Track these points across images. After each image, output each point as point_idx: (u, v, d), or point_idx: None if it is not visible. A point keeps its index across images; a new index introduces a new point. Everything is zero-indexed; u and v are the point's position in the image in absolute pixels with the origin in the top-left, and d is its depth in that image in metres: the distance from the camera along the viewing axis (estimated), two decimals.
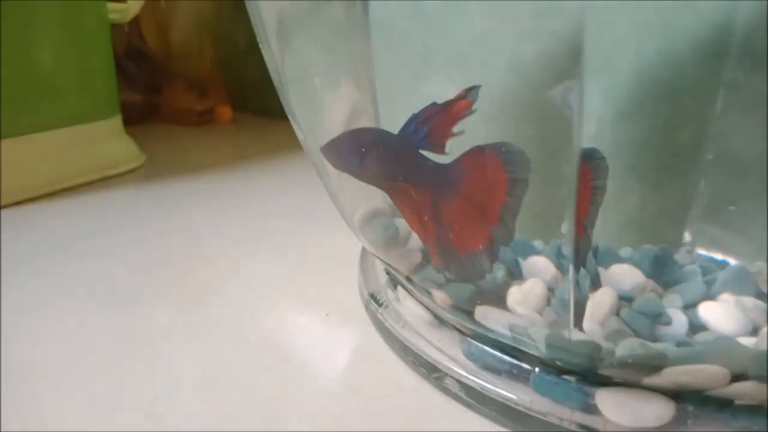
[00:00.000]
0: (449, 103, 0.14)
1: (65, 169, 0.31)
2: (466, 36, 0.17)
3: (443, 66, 0.18)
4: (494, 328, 0.16)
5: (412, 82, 0.18)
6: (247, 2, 0.19)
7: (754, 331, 0.15)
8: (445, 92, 0.18)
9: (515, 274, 0.17)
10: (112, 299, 0.21)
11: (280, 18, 0.18)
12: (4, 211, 0.28)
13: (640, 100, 0.19)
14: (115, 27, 0.34)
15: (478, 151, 0.14)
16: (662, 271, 0.18)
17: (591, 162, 0.16)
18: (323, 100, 0.19)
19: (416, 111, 0.15)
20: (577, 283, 0.15)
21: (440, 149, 0.15)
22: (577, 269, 0.14)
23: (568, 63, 0.15)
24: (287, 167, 0.36)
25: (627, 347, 0.14)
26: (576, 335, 0.14)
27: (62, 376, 0.17)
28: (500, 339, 0.16)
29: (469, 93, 0.14)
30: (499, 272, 0.18)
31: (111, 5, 0.33)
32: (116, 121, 0.34)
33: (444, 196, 0.15)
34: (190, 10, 0.42)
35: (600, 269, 0.17)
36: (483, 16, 0.17)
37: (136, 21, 0.41)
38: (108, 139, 0.34)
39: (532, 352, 0.15)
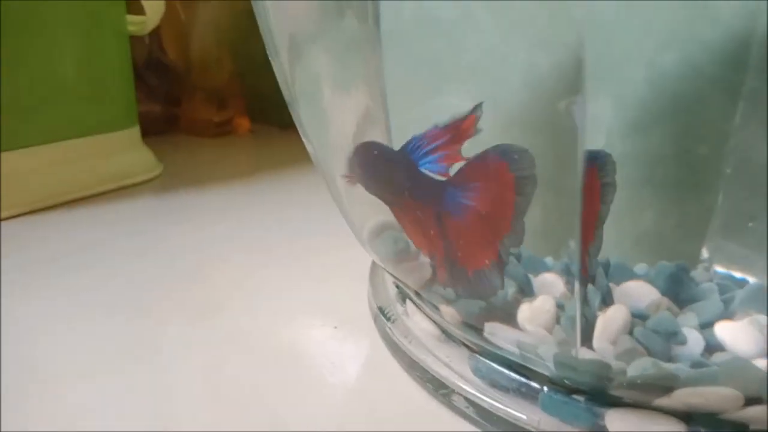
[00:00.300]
0: (454, 125, 0.14)
1: (83, 178, 0.32)
2: (478, 47, 0.17)
3: (455, 77, 0.18)
4: (503, 345, 0.16)
5: (423, 94, 0.18)
6: (257, 16, 0.19)
7: None
8: (456, 103, 0.18)
9: (526, 291, 0.17)
10: (123, 308, 0.21)
11: (291, 32, 0.19)
12: (19, 220, 0.29)
13: (655, 112, 0.18)
14: (135, 38, 0.35)
15: (480, 159, 0.14)
16: (678, 288, 0.17)
17: (597, 162, 0.15)
18: (333, 114, 0.19)
19: (428, 122, 0.15)
20: (585, 300, 0.14)
21: (444, 171, 0.14)
22: (584, 285, 0.14)
23: (577, 75, 0.15)
24: (303, 180, 0.37)
25: (639, 367, 0.14)
26: (584, 354, 0.14)
27: (72, 384, 0.17)
28: (509, 356, 0.16)
29: (475, 110, 0.14)
30: (510, 289, 0.17)
31: (130, 17, 0.33)
32: (134, 131, 0.35)
33: (449, 212, 0.15)
34: (210, 22, 0.43)
35: (612, 285, 0.17)
36: (495, 27, 0.17)
37: (156, 33, 0.41)
38: (126, 149, 0.34)
39: (540, 370, 0.15)
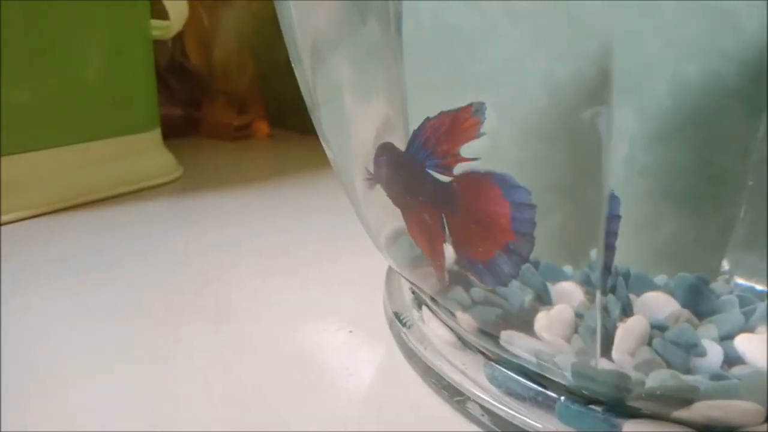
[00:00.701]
0: (449, 118, 0.14)
1: (104, 179, 0.32)
2: (497, 55, 0.17)
3: (475, 86, 0.18)
4: (520, 353, 0.16)
5: (441, 101, 0.18)
6: (281, 23, 0.19)
7: None
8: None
9: (544, 299, 0.17)
10: (139, 309, 0.21)
11: (314, 38, 0.19)
12: (40, 220, 0.29)
13: (677, 123, 0.18)
14: (158, 42, 0.35)
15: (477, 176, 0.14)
16: (698, 300, 0.17)
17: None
18: (354, 120, 0.19)
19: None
20: (605, 310, 0.14)
21: (447, 171, 0.14)
22: (604, 294, 0.14)
23: (600, 85, 0.15)
24: (320, 185, 0.37)
25: (658, 378, 0.14)
26: (603, 364, 0.14)
27: (82, 386, 0.17)
28: (526, 365, 0.16)
29: (476, 111, 0.14)
30: (527, 297, 0.17)
31: (154, 22, 0.34)
32: (155, 134, 0.35)
33: (450, 211, 0.15)
34: (232, 28, 0.43)
35: (632, 296, 0.17)
36: (517, 36, 0.17)
37: (179, 37, 0.42)
38: (147, 152, 0.35)
39: (558, 379, 0.15)
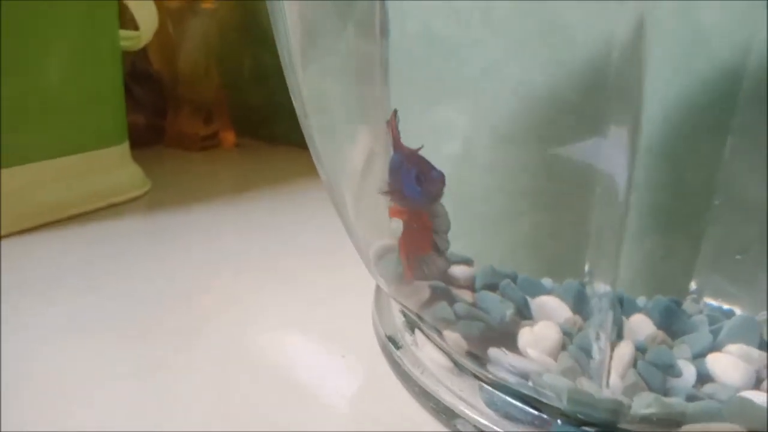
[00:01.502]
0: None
1: (72, 196, 0.31)
2: (477, 65, 0.18)
3: (454, 94, 0.18)
4: (510, 376, 0.16)
5: (425, 109, 0.19)
6: (273, 25, 0.19)
7: (758, 382, 0.16)
8: (451, 117, 0.18)
9: (525, 314, 0.18)
10: (114, 329, 0.21)
11: (302, 40, 0.19)
12: (6, 240, 0.28)
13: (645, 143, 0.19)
14: None
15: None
16: (671, 321, 0.18)
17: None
18: (345, 135, 0.20)
19: (426, 134, 0.17)
20: (604, 334, 0.15)
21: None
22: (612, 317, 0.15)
23: (575, 95, 0.16)
24: (292, 197, 0.37)
25: (643, 403, 0.15)
26: (606, 392, 0.14)
27: (60, 406, 0.17)
28: (521, 389, 0.16)
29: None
30: (508, 310, 0.18)
31: (123, 32, 0.33)
32: (124, 147, 0.34)
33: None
34: (198, 36, 0.43)
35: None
36: (494, 45, 0.18)
37: None
38: (115, 166, 0.34)
39: (553, 403, 0.16)
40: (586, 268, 0.17)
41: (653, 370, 0.16)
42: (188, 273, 0.26)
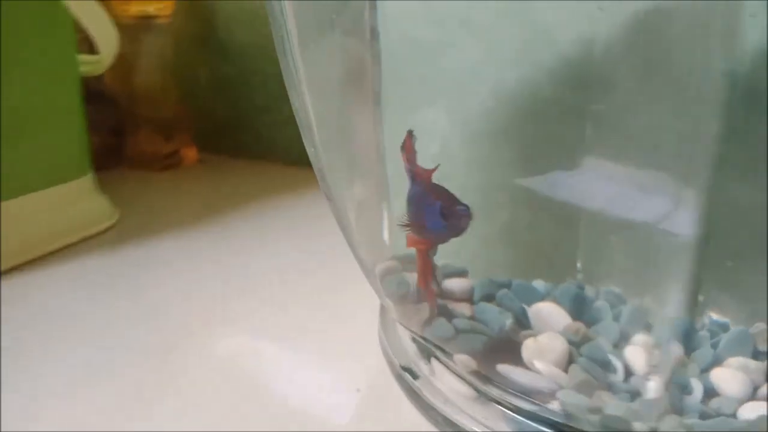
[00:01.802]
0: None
1: (37, 235, 0.30)
2: (455, 66, 0.18)
3: (437, 94, 0.19)
4: (529, 404, 0.17)
5: (412, 110, 0.19)
6: (272, 26, 0.19)
7: (754, 390, 0.17)
8: (432, 118, 0.18)
9: (523, 323, 0.18)
10: (102, 367, 0.21)
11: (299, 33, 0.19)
12: None
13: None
14: None
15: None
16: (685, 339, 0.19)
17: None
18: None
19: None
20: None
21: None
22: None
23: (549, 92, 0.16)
24: (260, 211, 0.36)
25: (670, 425, 0.15)
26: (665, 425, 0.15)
27: None
28: (551, 417, 0.16)
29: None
30: (507, 320, 0.18)
31: (83, 57, 0.31)
32: (89, 179, 0.33)
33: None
34: (152, 51, 0.41)
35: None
36: (472, 46, 0.18)
37: None
38: (81, 199, 0.32)
39: (583, 427, 0.16)
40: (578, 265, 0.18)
41: (676, 391, 0.16)
42: (170, 308, 0.25)
